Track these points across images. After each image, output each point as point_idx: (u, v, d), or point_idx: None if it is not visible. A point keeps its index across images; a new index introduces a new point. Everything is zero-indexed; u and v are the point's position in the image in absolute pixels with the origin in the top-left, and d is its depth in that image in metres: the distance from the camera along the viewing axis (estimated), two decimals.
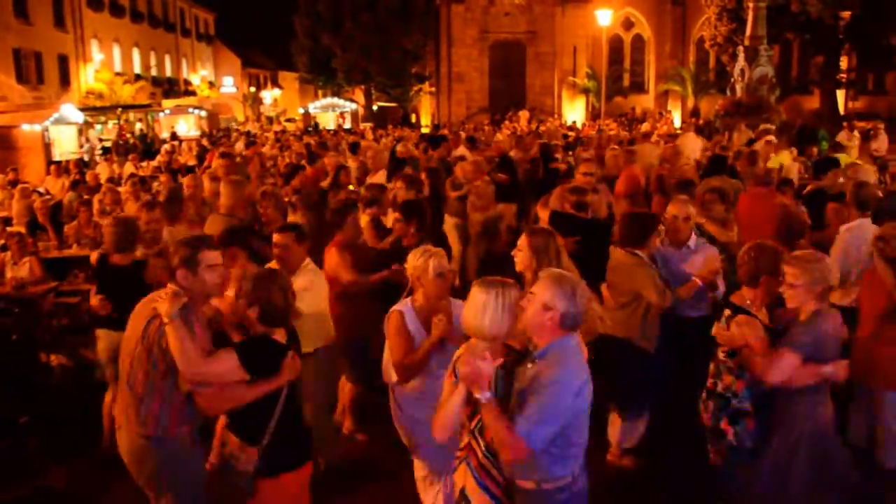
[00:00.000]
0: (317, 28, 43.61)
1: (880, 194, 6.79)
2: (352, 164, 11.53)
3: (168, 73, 48.02)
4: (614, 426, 5.27)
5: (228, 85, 53.19)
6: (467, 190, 8.67)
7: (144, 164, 17.71)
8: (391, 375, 4.14)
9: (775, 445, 3.88)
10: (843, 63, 33.06)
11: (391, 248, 5.79)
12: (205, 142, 23.00)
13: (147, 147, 25.81)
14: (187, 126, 33.65)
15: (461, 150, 12.78)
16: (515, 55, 43.83)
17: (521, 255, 4.42)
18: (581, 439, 3.14)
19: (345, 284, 5.38)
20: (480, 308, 3.12)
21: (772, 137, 12.76)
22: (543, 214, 6.66)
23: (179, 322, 3.38)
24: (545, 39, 43.02)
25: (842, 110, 33.00)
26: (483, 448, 3.18)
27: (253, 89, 55.97)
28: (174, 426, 3.58)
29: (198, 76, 51.66)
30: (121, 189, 9.83)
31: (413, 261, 4.06)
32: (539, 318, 3.01)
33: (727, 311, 4.16)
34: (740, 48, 22.00)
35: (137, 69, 43.10)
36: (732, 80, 22.08)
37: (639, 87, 44.76)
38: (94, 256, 5.53)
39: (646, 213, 5.44)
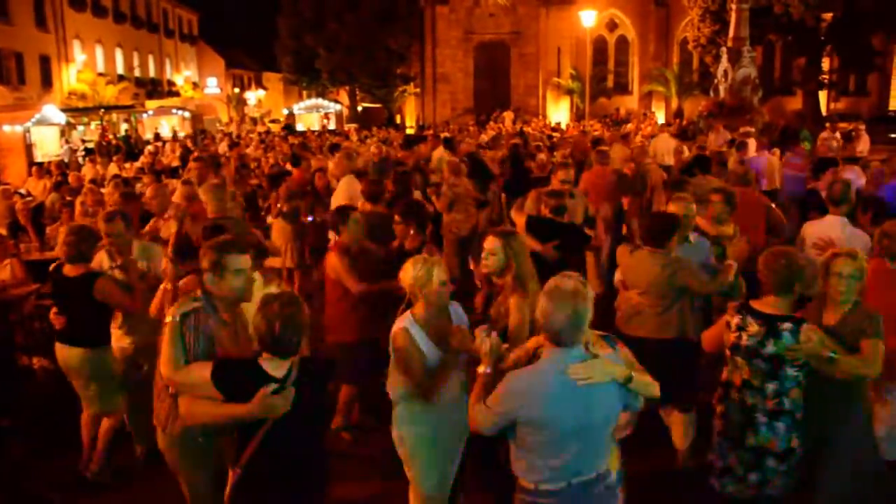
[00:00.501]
0: (301, 29, 43.48)
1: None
2: (332, 165, 11.49)
3: (151, 73, 47.69)
4: (676, 427, 5.10)
5: (212, 86, 52.93)
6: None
7: (128, 165, 17.61)
8: (396, 391, 3.94)
9: (849, 436, 3.96)
10: (825, 64, 33.43)
11: (395, 252, 5.56)
12: (188, 143, 22.87)
13: (130, 148, 25.64)
14: (170, 127, 33.45)
15: (439, 151, 12.70)
16: (500, 56, 43.88)
17: (495, 259, 4.20)
18: (548, 460, 3.00)
19: (354, 293, 5.27)
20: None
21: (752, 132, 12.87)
22: (519, 219, 6.38)
23: (174, 325, 3.38)
24: (529, 40, 43.11)
25: (824, 111, 33.34)
26: None
27: (237, 90, 55.72)
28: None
29: (181, 77, 51.38)
30: (103, 190, 9.74)
31: (413, 271, 3.80)
32: None
33: (737, 317, 3.99)
34: (723, 49, 22.14)
35: (120, 70, 42.75)
36: (716, 81, 22.21)
37: (623, 88, 44.89)
38: (52, 265, 5.22)
39: (668, 213, 5.34)
